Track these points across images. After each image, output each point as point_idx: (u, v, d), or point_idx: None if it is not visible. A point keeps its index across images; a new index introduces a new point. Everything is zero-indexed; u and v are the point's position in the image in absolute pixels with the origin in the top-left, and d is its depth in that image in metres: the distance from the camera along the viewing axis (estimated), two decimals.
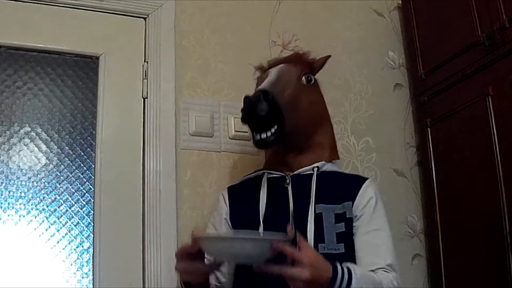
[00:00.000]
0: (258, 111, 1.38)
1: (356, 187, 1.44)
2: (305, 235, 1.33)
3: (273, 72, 1.50)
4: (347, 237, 1.37)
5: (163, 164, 1.81)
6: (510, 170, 1.66)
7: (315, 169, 1.44)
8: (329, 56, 1.64)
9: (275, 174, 1.48)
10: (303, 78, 1.51)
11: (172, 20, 1.98)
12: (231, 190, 1.56)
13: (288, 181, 1.45)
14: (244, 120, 1.43)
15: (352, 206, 1.40)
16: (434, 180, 1.99)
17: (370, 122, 2.14)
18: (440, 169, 1.98)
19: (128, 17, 1.95)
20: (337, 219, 1.38)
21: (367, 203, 1.41)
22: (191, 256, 1.22)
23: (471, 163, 1.82)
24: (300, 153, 1.48)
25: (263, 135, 1.41)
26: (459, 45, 1.89)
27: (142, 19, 1.97)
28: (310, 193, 1.40)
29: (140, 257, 1.74)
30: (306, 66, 1.55)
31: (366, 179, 1.49)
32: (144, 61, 1.93)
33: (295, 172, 1.46)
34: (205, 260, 1.27)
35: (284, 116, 1.40)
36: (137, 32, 1.96)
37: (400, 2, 2.29)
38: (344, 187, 1.44)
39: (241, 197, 1.52)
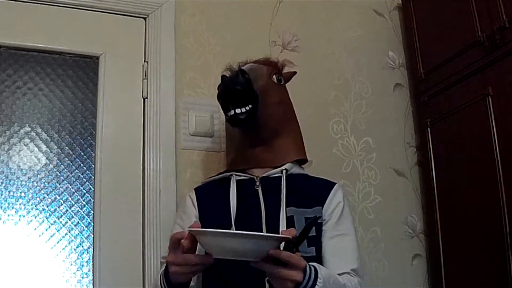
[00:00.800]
0: (235, 85, 1.43)
1: (325, 192, 1.47)
2: None
3: (245, 67, 1.53)
4: (318, 241, 1.40)
5: (163, 164, 1.81)
6: (510, 170, 1.66)
7: (284, 171, 1.46)
8: (295, 72, 1.68)
9: (243, 176, 1.48)
10: (274, 76, 1.54)
11: (172, 20, 1.98)
12: (199, 191, 1.54)
13: (258, 183, 1.45)
14: (221, 95, 1.46)
15: (322, 211, 1.43)
16: (434, 180, 1.99)
17: (370, 122, 2.14)
18: (440, 169, 1.98)
19: (128, 17, 1.95)
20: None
21: (335, 207, 1.45)
22: (183, 250, 1.19)
23: (471, 163, 1.82)
24: (267, 149, 1.49)
25: (238, 110, 1.43)
26: (459, 45, 1.89)
27: (142, 19, 1.97)
28: (281, 196, 1.41)
29: (140, 257, 1.74)
30: (276, 68, 1.58)
31: (334, 183, 1.51)
32: (144, 61, 1.93)
33: (264, 175, 1.47)
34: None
35: (258, 96, 1.44)
36: (137, 32, 1.96)
37: (400, 2, 2.29)
38: (313, 192, 1.47)
39: (210, 199, 1.50)
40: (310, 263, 1.23)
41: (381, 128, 2.15)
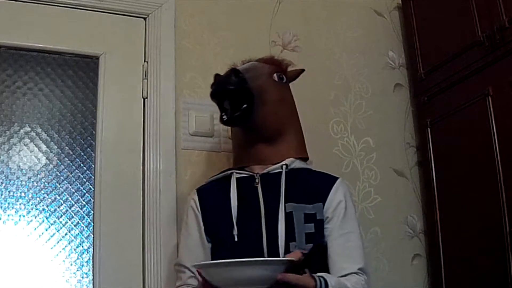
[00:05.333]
0: (227, 84, 1.41)
1: (327, 188, 1.45)
2: (276, 235, 1.35)
3: (245, 64, 1.53)
4: (316, 238, 1.38)
5: (163, 164, 1.81)
6: (510, 170, 1.66)
7: (284, 167, 1.44)
8: (303, 70, 1.66)
9: (244, 173, 1.48)
10: (275, 75, 1.52)
11: (172, 20, 1.98)
12: (201, 192, 1.53)
13: (257, 180, 1.45)
14: (213, 95, 1.45)
15: (323, 208, 1.41)
16: (434, 180, 1.99)
17: (370, 122, 2.14)
18: (440, 169, 1.98)
19: (128, 17, 1.96)
20: (307, 219, 1.39)
21: (337, 205, 1.42)
22: None
23: (471, 163, 1.82)
24: (268, 146, 1.48)
25: (229, 110, 1.43)
26: (459, 45, 1.89)
27: (142, 19, 1.97)
28: (280, 192, 1.41)
29: (140, 257, 1.74)
30: (279, 67, 1.57)
31: (336, 178, 1.49)
32: (144, 61, 1.93)
33: (264, 171, 1.46)
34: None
35: (254, 96, 1.42)
36: (137, 32, 1.96)
37: (400, 2, 2.29)
38: (314, 187, 1.45)
39: (211, 199, 1.50)
40: (319, 274, 1.25)
41: (381, 128, 2.15)
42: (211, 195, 1.51)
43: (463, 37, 1.87)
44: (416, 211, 2.10)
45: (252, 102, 1.43)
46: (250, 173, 1.47)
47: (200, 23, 2.02)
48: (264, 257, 1.33)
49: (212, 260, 1.41)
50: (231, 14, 2.08)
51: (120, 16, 1.94)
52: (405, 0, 2.24)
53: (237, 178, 1.47)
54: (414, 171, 2.15)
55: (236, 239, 1.38)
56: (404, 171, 2.13)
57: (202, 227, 1.46)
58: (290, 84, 1.63)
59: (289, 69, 1.62)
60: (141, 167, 1.82)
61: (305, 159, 1.54)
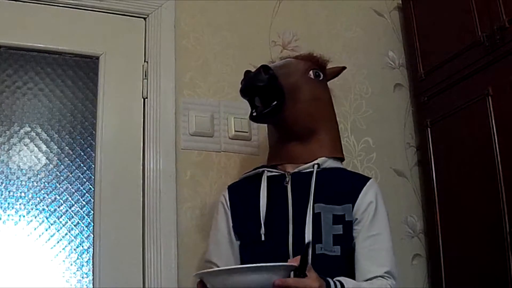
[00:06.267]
0: (255, 81, 1.39)
1: (358, 188, 1.41)
2: (303, 236, 1.33)
3: (280, 61, 1.51)
4: (344, 240, 1.36)
5: (163, 164, 1.81)
6: (510, 170, 1.66)
7: (315, 166, 1.42)
8: (344, 68, 1.66)
9: (275, 172, 1.47)
10: (311, 72, 1.50)
11: (172, 20, 1.98)
12: (232, 190, 1.54)
13: (287, 179, 1.44)
14: (243, 91, 1.44)
15: (352, 209, 1.38)
16: (434, 180, 1.99)
17: (370, 122, 2.14)
18: (440, 169, 1.98)
19: (128, 17, 1.95)
20: (335, 221, 1.36)
21: (367, 206, 1.39)
22: None
23: (471, 163, 1.82)
24: (300, 145, 1.46)
25: (260, 107, 1.42)
26: (459, 45, 1.89)
27: (142, 19, 1.97)
28: (309, 192, 1.39)
29: (140, 257, 1.74)
30: (316, 64, 1.54)
31: (368, 179, 1.46)
32: (144, 61, 1.93)
33: (295, 170, 1.44)
34: None
35: (285, 92, 1.40)
36: (137, 32, 1.96)
37: (400, 2, 2.29)
38: (345, 187, 1.42)
39: (242, 197, 1.50)
40: (336, 279, 1.23)
41: (381, 128, 2.15)
42: (241, 192, 1.51)
43: (463, 37, 1.88)
44: (416, 211, 2.10)
45: (282, 99, 1.41)
46: (281, 172, 1.46)
47: (200, 23, 2.02)
48: (289, 258, 1.30)
49: (240, 258, 1.42)
50: (231, 14, 2.08)
51: (120, 16, 1.94)
52: (405, 0, 2.24)
53: (268, 177, 1.46)
54: (414, 171, 2.15)
55: (263, 239, 1.37)
56: (404, 171, 2.13)
57: (231, 224, 1.46)
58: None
59: (329, 66, 1.59)
60: (141, 167, 1.82)
61: (339, 158, 1.52)
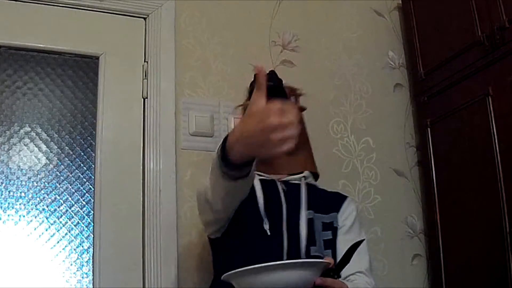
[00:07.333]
0: (269, 80, 1.40)
1: (340, 201, 1.54)
2: (298, 239, 1.38)
3: None
4: (333, 245, 1.44)
5: (163, 164, 1.81)
6: (510, 170, 1.66)
7: (303, 179, 1.51)
8: (305, 108, 1.68)
9: (265, 176, 1.50)
10: (292, 98, 1.58)
11: (172, 20, 1.98)
12: None
13: (284, 187, 1.48)
14: (271, 90, 1.44)
15: (337, 217, 1.49)
16: (434, 180, 1.99)
17: (370, 122, 2.14)
18: (440, 169, 1.98)
19: (128, 17, 1.96)
20: (325, 228, 1.45)
21: (349, 215, 1.51)
22: None
23: (471, 163, 1.82)
24: (288, 155, 1.45)
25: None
26: (459, 45, 1.89)
27: (142, 19, 1.97)
28: (300, 199, 1.45)
29: (140, 257, 1.74)
30: (294, 92, 1.62)
31: (347, 196, 1.58)
32: (144, 61, 1.93)
33: (283, 179, 1.50)
34: None
35: (287, 97, 1.51)
36: (137, 32, 1.96)
37: (400, 2, 2.29)
38: (328, 200, 1.52)
39: None
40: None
41: (381, 128, 2.15)
42: None
43: (463, 37, 1.87)
44: (416, 211, 2.10)
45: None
46: (271, 178, 1.50)
47: (200, 23, 2.02)
48: (283, 259, 1.33)
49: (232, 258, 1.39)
50: (231, 14, 2.08)
51: (120, 16, 1.94)
52: (405, 0, 2.24)
53: (260, 179, 1.49)
54: (414, 171, 2.15)
55: (269, 233, 1.39)
56: (404, 171, 2.13)
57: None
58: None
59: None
60: (141, 167, 1.82)
61: (316, 176, 1.61)
